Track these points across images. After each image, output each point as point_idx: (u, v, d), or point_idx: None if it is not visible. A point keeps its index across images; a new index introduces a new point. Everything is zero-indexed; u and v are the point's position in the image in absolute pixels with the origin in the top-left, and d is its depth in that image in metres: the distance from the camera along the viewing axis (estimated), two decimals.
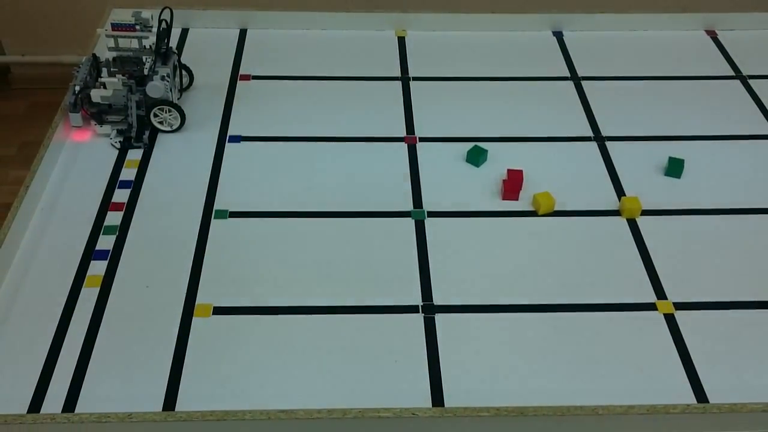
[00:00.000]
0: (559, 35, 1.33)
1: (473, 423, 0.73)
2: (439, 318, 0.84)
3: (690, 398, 0.77)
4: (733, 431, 0.75)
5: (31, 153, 1.65)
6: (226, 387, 0.77)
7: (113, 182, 1.01)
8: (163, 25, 1.07)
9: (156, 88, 1.04)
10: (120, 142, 1.06)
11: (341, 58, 1.27)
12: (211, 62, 1.23)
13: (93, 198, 0.98)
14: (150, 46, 1.07)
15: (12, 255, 0.90)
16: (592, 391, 0.77)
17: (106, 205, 0.97)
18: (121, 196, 0.99)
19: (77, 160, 1.05)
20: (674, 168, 1.04)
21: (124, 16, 1.05)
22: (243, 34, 1.31)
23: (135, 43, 1.07)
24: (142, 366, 0.78)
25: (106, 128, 1.07)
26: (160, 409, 0.74)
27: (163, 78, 1.05)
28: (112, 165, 1.04)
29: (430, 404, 0.75)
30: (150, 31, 1.05)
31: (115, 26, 1.04)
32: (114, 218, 0.96)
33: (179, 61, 1.13)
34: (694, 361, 0.80)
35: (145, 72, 1.06)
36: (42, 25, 1.76)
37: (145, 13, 1.05)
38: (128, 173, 1.03)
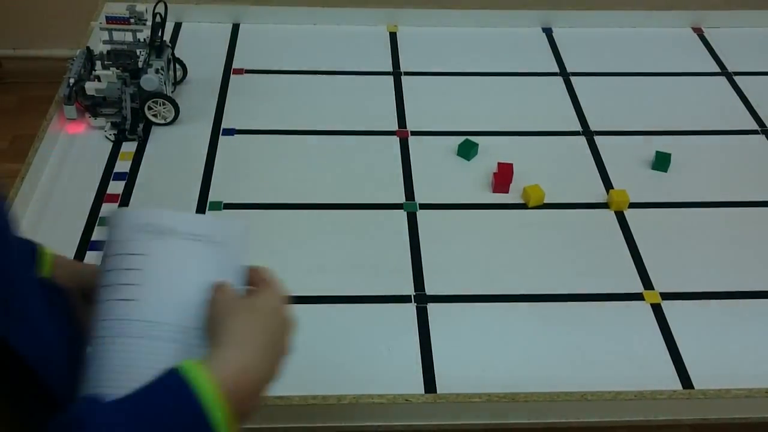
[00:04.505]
0: (548, 31, 1.35)
1: (465, 408, 0.74)
2: (431, 307, 0.86)
3: (676, 384, 0.78)
4: (718, 416, 0.77)
5: (23, 146, 1.65)
6: None
7: (108, 174, 1.02)
8: (158, 18, 1.07)
9: (150, 81, 1.05)
10: (114, 134, 1.07)
11: (333, 53, 1.28)
12: (204, 56, 1.24)
13: (88, 190, 0.99)
14: (144, 39, 1.08)
15: None
16: (581, 378, 0.79)
17: (101, 197, 0.98)
18: (115, 188, 1.00)
19: (72, 152, 1.05)
20: (661, 162, 1.06)
21: (119, 9, 1.06)
22: (236, 28, 1.32)
23: (129, 37, 1.07)
24: None
25: (101, 121, 1.08)
26: None
27: (157, 71, 1.06)
28: (107, 157, 1.04)
29: (422, 391, 0.77)
30: (144, 24, 1.06)
31: (110, 19, 1.04)
32: (109, 210, 0.96)
33: (173, 54, 1.14)
34: (680, 349, 0.82)
35: (140, 65, 1.07)
36: (33, 19, 1.76)
37: (140, 7, 1.06)
38: (123, 165, 1.03)
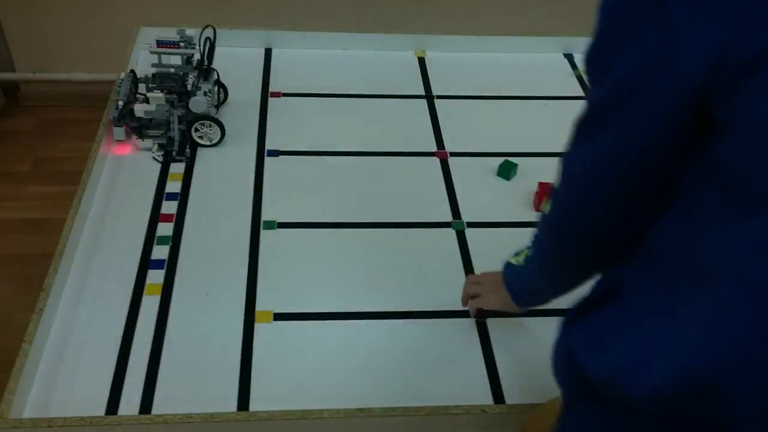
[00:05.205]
0: (569, 57, 1.40)
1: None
2: (490, 322, 0.89)
3: None
4: None
5: (46, 169, 1.66)
6: (295, 387, 0.79)
7: (160, 194, 1.03)
8: (207, 42, 1.10)
9: (199, 103, 1.07)
10: (162, 155, 1.09)
11: (365, 77, 1.31)
12: (241, 79, 1.26)
13: (142, 209, 1.01)
14: (192, 62, 1.10)
15: (69, 265, 0.91)
16: None
17: (155, 216, 1.00)
18: (169, 207, 1.01)
19: (121, 173, 1.07)
20: None
21: (157, 33, 1.09)
22: (269, 53, 1.35)
23: (175, 60, 1.10)
24: (211, 370, 0.81)
25: (147, 142, 1.10)
26: (235, 410, 0.76)
27: (205, 93, 1.08)
28: (157, 178, 1.06)
29: (491, 401, 0.79)
30: (193, 48, 1.09)
31: (161, 43, 1.07)
32: (165, 229, 0.98)
33: (218, 78, 1.16)
34: None
35: (189, 88, 1.09)
36: (52, 43, 1.77)
37: (189, 31, 1.09)
38: (173, 186, 1.05)
